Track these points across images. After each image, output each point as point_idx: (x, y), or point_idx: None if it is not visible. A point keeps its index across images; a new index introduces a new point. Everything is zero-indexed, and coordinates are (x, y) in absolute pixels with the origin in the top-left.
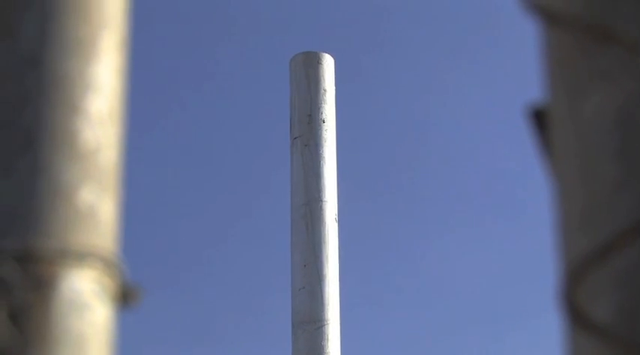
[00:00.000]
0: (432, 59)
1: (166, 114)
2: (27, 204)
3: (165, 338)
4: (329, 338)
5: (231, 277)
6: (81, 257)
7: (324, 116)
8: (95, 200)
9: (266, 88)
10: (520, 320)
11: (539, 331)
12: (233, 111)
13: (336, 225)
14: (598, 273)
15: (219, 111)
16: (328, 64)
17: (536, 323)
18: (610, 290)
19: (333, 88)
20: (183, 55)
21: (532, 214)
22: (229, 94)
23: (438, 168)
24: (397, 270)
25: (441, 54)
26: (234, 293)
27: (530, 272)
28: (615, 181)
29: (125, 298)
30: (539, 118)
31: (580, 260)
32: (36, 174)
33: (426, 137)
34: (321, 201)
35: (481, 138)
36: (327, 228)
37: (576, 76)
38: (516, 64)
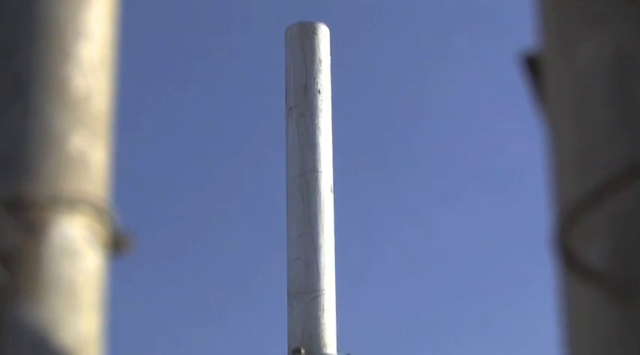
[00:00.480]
0: (429, 28)
1: (162, 84)
2: (18, 150)
3: (161, 309)
4: (324, 308)
5: (226, 248)
6: (72, 203)
7: (319, 86)
8: (86, 146)
9: (261, 59)
10: (516, 292)
11: (534, 302)
12: (228, 82)
13: (331, 195)
14: (592, 217)
15: (214, 82)
16: (324, 34)
17: (532, 294)
18: (603, 233)
19: (329, 58)
20: (178, 25)
21: (531, 183)
22: (224, 65)
23: (434, 137)
24: (393, 240)
25: (438, 23)
26: (230, 264)
27: (528, 243)
28: (609, 126)
29: (116, 245)
30: (533, 66)
31: (574, 204)
32: (27, 120)
33: (423, 107)
34: (317, 171)
35: (480, 106)
36: (322, 198)
37: (570, 21)
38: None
